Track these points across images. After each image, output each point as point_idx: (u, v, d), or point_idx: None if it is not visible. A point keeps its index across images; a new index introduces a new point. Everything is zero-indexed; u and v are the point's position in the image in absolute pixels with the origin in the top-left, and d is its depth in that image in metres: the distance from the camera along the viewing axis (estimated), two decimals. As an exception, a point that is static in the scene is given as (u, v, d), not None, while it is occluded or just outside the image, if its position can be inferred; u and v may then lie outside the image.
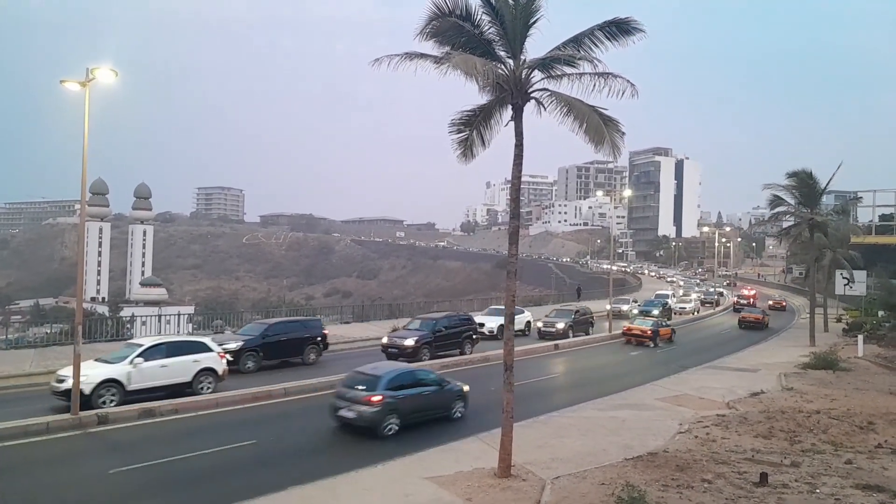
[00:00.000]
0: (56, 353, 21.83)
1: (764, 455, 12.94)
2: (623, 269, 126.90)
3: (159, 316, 28.15)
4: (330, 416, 15.21)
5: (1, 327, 29.34)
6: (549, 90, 11.80)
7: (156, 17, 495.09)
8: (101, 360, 16.91)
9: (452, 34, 11.66)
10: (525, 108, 11.79)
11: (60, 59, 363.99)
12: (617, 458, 12.65)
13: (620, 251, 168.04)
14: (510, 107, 11.82)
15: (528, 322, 35.75)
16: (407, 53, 11.58)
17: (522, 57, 11.74)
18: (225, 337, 23.43)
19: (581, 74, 11.49)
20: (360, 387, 14.93)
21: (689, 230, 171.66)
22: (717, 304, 64.80)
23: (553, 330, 33.74)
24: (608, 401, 19.14)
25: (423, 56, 11.61)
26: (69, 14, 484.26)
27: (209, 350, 18.50)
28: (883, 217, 64.84)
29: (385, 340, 25.51)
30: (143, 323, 28.47)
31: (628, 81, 11.20)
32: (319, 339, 24.59)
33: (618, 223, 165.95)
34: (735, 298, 65.66)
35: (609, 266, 68.74)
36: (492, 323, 33.00)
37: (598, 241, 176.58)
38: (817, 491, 10.59)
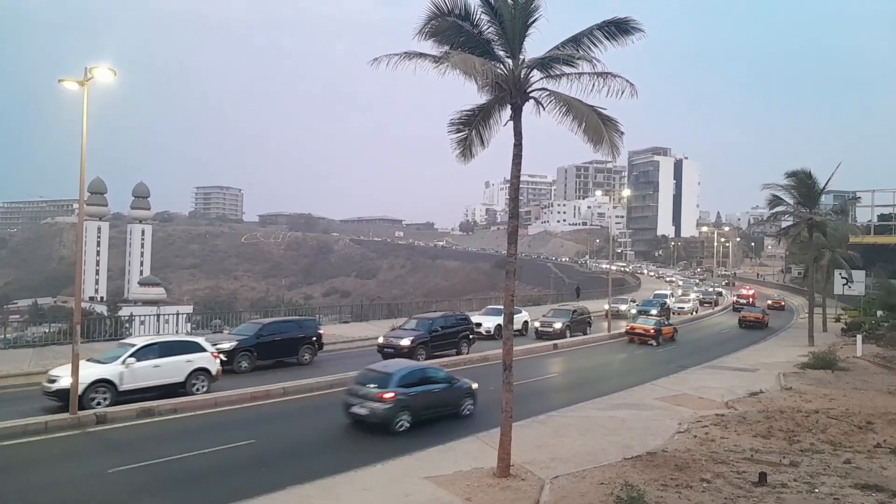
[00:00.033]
0: (54, 353, 21.80)
1: (763, 455, 12.95)
2: (622, 268, 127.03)
3: (158, 315, 28.14)
4: (343, 413, 15.40)
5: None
6: (547, 90, 11.79)
7: (156, 16, 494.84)
8: (93, 361, 16.73)
9: (451, 34, 11.64)
10: (524, 108, 11.78)
11: (60, 58, 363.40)
12: (616, 457, 12.65)
13: (619, 251, 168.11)
14: (509, 106, 11.80)
15: (526, 322, 35.74)
16: (406, 53, 11.56)
17: (521, 56, 11.72)
18: (219, 337, 23.36)
19: (580, 74, 11.47)
20: (372, 384, 15.18)
21: (688, 230, 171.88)
22: (716, 303, 64.91)
23: (550, 330, 33.74)
24: (607, 400, 19.14)
25: (422, 56, 11.60)
26: (69, 14, 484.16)
27: (202, 350, 18.42)
28: (882, 217, 64.87)
29: (381, 340, 25.41)
30: (142, 322, 28.50)
31: (627, 81, 11.19)
32: (314, 339, 24.47)
33: (617, 223, 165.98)
34: (734, 298, 65.75)
35: (608, 266, 68.79)
36: (489, 323, 33.00)
37: (597, 240, 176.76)
38: (816, 490, 10.59)
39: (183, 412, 16.22)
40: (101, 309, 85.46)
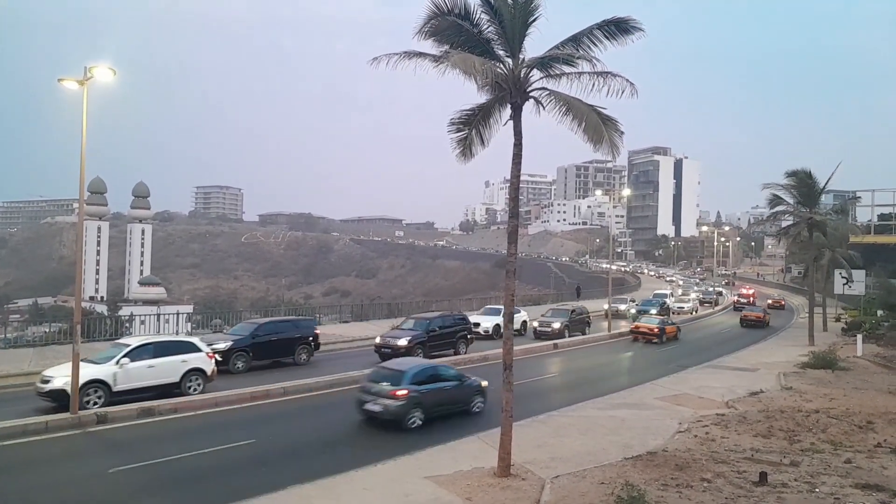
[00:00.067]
0: (55, 353, 21.79)
1: (763, 454, 12.95)
2: (622, 268, 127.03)
3: (158, 315, 28.12)
4: (356, 410, 15.59)
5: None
6: (547, 89, 11.79)
7: (156, 16, 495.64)
8: (87, 361, 16.52)
9: (451, 33, 11.63)
10: (524, 108, 11.77)
11: (60, 58, 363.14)
12: (616, 457, 12.65)
13: (619, 250, 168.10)
14: (509, 106, 11.79)
15: (525, 322, 35.73)
16: (406, 52, 11.55)
17: (521, 56, 11.71)
18: (215, 336, 23.28)
19: (580, 73, 11.46)
20: (385, 382, 15.43)
21: (688, 230, 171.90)
22: (716, 303, 64.97)
23: (549, 330, 33.71)
24: (607, 400, 19.13)
25: (421, 55, 11.59)
26: (69, 14, 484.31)
27: (198, 350, 18.34)
28: (882, 216, 64.84)
29: (378, 340, 25.28)
30: (142, 322, 28.48)
31: (627, 81, 11.18)
32: (311, 338, 24.33)
33: (617, 222, 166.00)
34: (735, 298, 65.83)
35: (608, 265, 68.77)
36: (487, 323, 32.98)
37: (597, 240, 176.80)
38: (816, 490, 10.59)
39: (183, 412, 16.22)
40: (102, 308, 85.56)
